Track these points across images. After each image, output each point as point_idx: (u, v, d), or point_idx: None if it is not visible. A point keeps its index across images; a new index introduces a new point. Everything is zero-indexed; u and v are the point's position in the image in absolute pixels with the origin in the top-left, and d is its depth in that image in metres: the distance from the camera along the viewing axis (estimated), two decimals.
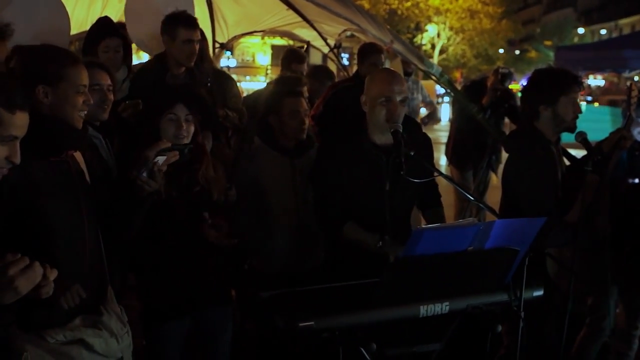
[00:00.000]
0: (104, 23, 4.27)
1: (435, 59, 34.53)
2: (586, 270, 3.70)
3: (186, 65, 4.09)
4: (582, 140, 3.23)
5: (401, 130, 2.91)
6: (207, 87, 4.16)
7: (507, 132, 4.43)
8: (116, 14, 5.83)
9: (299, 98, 3.47)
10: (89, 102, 2.40)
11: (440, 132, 14.44)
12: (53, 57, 2.34)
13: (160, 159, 2.31)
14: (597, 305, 3.82)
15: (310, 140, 3.56)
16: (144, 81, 4.06)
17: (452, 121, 7.19)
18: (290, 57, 5.72)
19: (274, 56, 30.32)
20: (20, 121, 1.84)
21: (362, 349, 2.32)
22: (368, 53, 5.36)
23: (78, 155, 2.39)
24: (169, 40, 4.06)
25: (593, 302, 3.85)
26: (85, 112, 2.40)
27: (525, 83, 3.67)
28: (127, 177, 2.36)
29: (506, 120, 6.72)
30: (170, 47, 4.08)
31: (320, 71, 5.59)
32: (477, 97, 6.35)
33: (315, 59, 10.77)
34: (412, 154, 2.84)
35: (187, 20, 4.06)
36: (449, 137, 7.05)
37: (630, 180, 3.65)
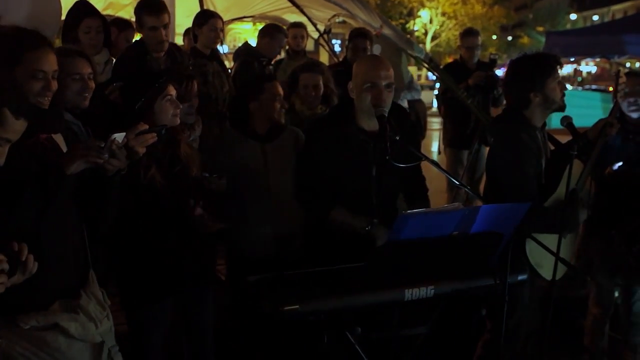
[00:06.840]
0: (82, 4, 4.15)
1: (427, 45, 34.45)
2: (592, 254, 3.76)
3: (156, 53, 4.05)
4: (567, 124, 3.23)
5: (386, 115, 2.91)
6: (191, 71, 4.13)
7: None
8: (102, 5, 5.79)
9: (276, 82, 3.52)
10: (49, 89, 2.30)
11: (433, 118, 14.39)
12: (15, 40, 2.25)
13: (118, 137, 2.27)
14: (600, 290, 3.88)
15: (282, 125, 3.56)
16: (126, 66, 4.03)
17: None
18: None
19: None
20: (19, 128, 1.90)
21: (347, 333, 2.33)
22: (352, 37, 5.41)
23: (58, 137, 2.34)
24: (139, 28, 4.03)
25: (597, 287, 3.90)
26: (47, 98, 2.32)
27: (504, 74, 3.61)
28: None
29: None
30: (142, 33, 4.06)
31: (269, 27, 5.62)
32: (464, 76, 6.35)
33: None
34: (397, 138, 2.84)
35: (150, 6, 3.99)
36: (444, 120, 6.98)
37: (616, 166, 3.64)
